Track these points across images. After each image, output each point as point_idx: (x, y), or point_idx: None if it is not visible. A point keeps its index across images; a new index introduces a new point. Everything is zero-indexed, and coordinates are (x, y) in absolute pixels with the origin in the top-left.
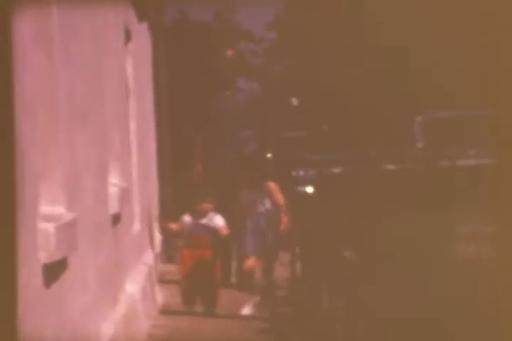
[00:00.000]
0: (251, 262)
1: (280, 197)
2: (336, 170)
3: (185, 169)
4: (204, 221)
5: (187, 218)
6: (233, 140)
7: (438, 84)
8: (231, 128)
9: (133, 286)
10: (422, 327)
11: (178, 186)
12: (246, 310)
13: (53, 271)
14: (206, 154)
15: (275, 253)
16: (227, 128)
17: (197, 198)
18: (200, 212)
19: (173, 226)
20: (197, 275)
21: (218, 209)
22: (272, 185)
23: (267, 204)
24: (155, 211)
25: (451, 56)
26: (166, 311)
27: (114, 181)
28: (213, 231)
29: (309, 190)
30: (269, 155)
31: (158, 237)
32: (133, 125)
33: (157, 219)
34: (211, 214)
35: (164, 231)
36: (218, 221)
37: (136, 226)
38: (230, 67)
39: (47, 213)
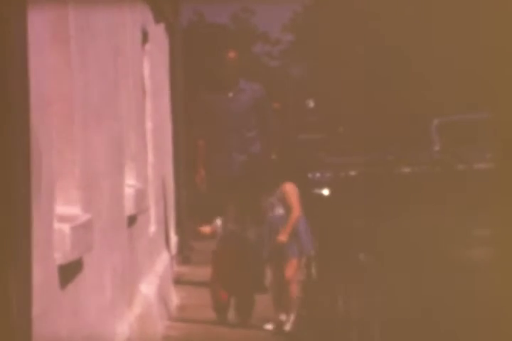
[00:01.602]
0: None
1: (295, 202)
2: (352, 173)
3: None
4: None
5: (219, 221)
6: (238, 141)
7: (455, 88)
8: (235, 130)
9: (148, 287)
10: (436, 329)
11: (194, 187)
12: (270, 326)
13: (69, 272)
14: (209, 158)
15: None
16: (231, 130)
17: (231, 202)
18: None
19: (206, 229)
20: (231, 281)
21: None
22: (288, 187)
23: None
24: (171, 212)
25: (469, 59)
26: (190, 325)
27: (130, 182)
28: (247, 238)
29: (325, 192)
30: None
31: (173, 239)
32: (149, 125)
33: (193, 227)
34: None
35: (198, 235)
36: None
37: (152, 227)
38: (232, 69)
39: (63, 214)
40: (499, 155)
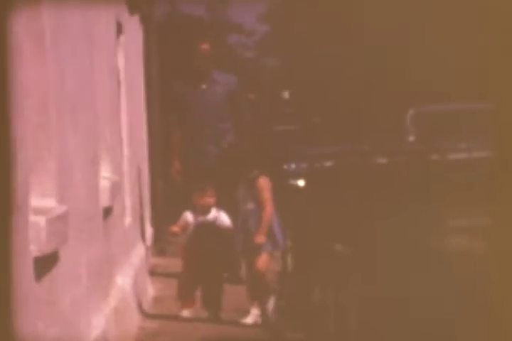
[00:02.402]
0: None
1: (268, 199)
2: (328, 164)
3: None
4: (209, 217)
5: (189, 215)
6: (212, 133)
7: (430, 78)
8: (209, 121)
9: (124, 279)
10: (413, 319)
11: (170, 179)
12: (250, 319)
13: (44, 264)
14: (184, 150)
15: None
16: (205, 121)
17: (197, 192)
18: (202, 207)
19: (175, 228)
20: (201, 277)
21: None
22: (263, 182)
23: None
24: (146, 204)
25: (443, 50)
26: (166, 316)
27: (106, 174)
28: (220, 230)
29: (301, 183)
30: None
31: (149, 230)
32: (124, 118)
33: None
34: (214, 211)
35: (171, 236)
36: (225, 219)
37: (128, 219)
38: (205, 61)
39: (38, 206)
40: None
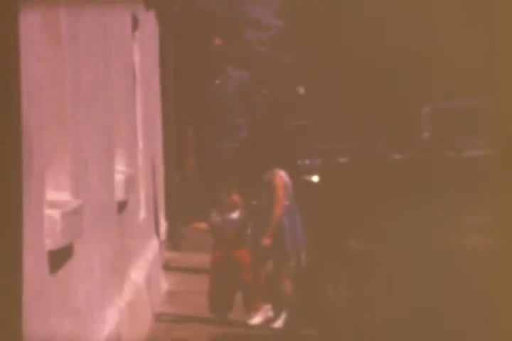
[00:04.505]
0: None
1: (280, 198)
2: (342, 160)
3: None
4: (235, 215)
5: (215, 214)
6: (226, 128)
7: (446, 75)
8: (223, 117)
9: (138, 273)
10: (426, 318)
11: (184, 175)
12: (256, 320)
13: (59, 258)
14: (199, 146)
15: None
16: (219, 117)
17: (222, 191)
18: (229, 206)
19: (202, 225)
20: (234, 281)
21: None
22: (278, 179)
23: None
24: (161, 198)
25: (459, 46)
26: (180, 311)
27: (121, 168)
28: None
29: (315, 178)
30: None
31: (163, 225)
32: (139, 112)
33: (189, 222)
34: (240, 209)
35: (195, 231)
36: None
37: (142, 213)
38: (218, 56)
39: (53, 200)
40: (496, 143)
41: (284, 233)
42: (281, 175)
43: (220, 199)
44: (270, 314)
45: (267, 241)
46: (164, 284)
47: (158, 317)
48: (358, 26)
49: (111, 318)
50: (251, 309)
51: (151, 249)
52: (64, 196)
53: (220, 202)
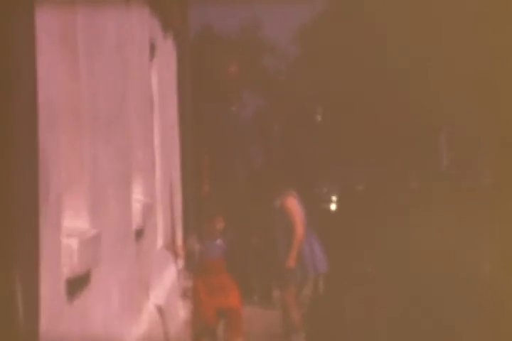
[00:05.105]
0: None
1: (298, 221)
2: (360, 187)
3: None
4: (218, 242)
5: (196, 239)
6: (242, 155)
7: (465, 104)
8: (239, 144)
9: (156, 301)
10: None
11: (199, 200)
12: None
13: (76, 286)
14: (215, 172)
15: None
16: (234, 144)
17: (206, 217)
18: (211, 232)
19: (179, 251)
20: (216, 309)
21: (228, 228)
22: (290, 203)
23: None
24: (179, 226)
25: (479, 76)
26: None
27: (138, 196)
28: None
29: (332, 206)
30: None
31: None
32: (157, 139)
33: (167, 245)
34: (222, 237)
35: (175, 256)
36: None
37: (160, 241)
38: (233, 83)
39: (70, 228)
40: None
41: (304, 258)
42: (292, 199)
43: (202, 225)
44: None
45: (291, 262)
46: (182, 312)
47: None
48: (376, 54)
49: None
50: (235, 336)
51: (169, 277)
52: (81, 224)
53: (202, 228)
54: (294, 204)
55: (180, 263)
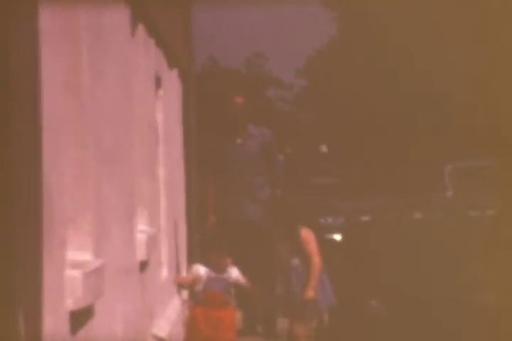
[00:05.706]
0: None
1: (315, 251)
2: (365, 218)
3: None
4: (224, 276)
5: (202, 269)
6: (247, 187)
7: (469, 133)
8: (244, 175)
9: (160, 333)
10: None
11: (204, 232)
12: None
13: (80, 318)
14: (219, 204)
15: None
16: (240, 175)
17: (211, 250)
18: (216, 266)
19: (186, 280)
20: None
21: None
22: (306, 234)
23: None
24: (183, 257)
25: (483, 104)
26: None
27: (142, 227)
28: (233, 286)
29: (337, 237)
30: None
31: None
32: (162, 171)
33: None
34: (229, 268)
35: (177, 286)
36: (237, 275)
37: (164, 272)
38: (239, 115)
39: (74, 259)
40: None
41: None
42: (308, 230)
43: (207, 258)
44: None
45: (311, 293)
46: None
47: None
48: (381, 85)
49: None
50: None
51: (174, 308)
52: (85, 256)
53: (209, 260)
54: (310, 235)
55: (185, 294)
